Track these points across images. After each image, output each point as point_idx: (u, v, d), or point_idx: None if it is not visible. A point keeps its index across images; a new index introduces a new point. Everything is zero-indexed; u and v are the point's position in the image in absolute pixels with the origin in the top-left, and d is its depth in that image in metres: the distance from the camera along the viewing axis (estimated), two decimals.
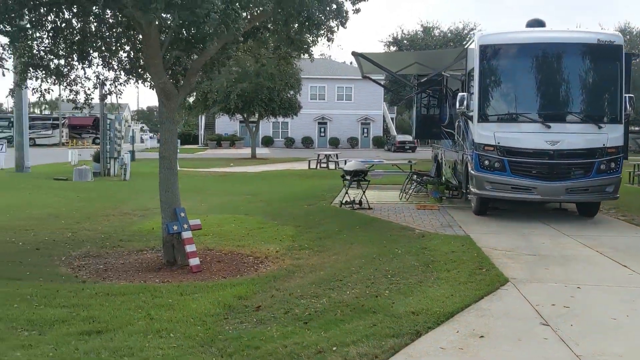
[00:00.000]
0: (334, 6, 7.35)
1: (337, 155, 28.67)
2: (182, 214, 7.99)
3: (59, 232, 10.21)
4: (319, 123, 58.30)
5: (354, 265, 7.43)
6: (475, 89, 11.06)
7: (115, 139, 21.21)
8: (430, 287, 6.17)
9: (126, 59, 9.73)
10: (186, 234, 7.89)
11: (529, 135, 10.71)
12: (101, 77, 10.76)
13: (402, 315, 5.12)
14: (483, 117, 10.99)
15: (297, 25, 8.00)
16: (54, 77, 9.54)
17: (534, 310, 5.42)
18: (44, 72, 9.35)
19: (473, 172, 11.14)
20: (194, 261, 7.78)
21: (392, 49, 36.65)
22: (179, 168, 26.95)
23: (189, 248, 7.84)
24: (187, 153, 44.17)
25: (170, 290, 6.48)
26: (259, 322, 5.18)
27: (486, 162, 10.89)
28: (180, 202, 8.23)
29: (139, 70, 9.91)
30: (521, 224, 10.65)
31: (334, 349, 4.35)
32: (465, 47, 12.39)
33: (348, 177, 13.18)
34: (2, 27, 8.11)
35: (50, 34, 8.73)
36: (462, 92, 11.81)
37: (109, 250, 9.09)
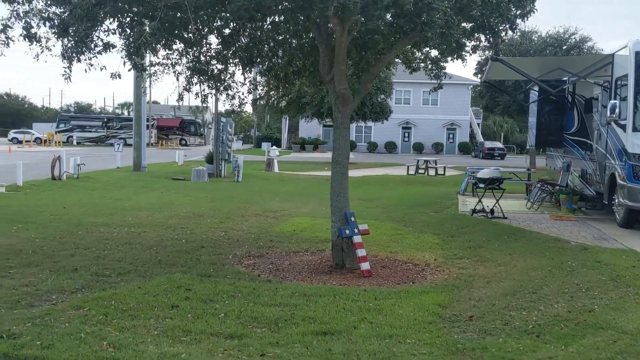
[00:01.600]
0: (518, 11, 7.24)
1: (436, 161, 28.34)
2: (353, 218, 8.11)
3: (211, 231, 10.60)
4: (403, 128, 57.93)
5: (533, 277, 7.28)
6: (630, 96, 10.64)
7: (227, 141, 21.86)
8: (639, 303, 5.96)
9: (280, 65, 10.01)
10: (357, 238, 7.99)
11: None
12: (254, 82, 11.16)
13: (635, 332, 4.97)
14: (639, 126, 10.55)
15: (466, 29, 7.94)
16: (212, 82, 9.97)
17: None
18: (205, 77, 9.77)
19: (625, 183, 10.70)
20: (365, 265, 7.87)
21: (487, 53, 35.78)
22: (278, 171, 27.59)
23: (360, 252, 7.94)
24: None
25: (362, 294, 6.55)
26: (483, 332, 5.16)
27: None
28: (349, 206, 8.33)
29: (292, 75, 10.18)
30: None
31: None
32: (612, 53, 11.93)
33: (482, 185, 12.98)
34: (180, 33, 8.55)
35: (221, 41, 9.07)
36: (612, 99, 11.38)
37: (267, 250, 9.33)
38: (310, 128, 56.89)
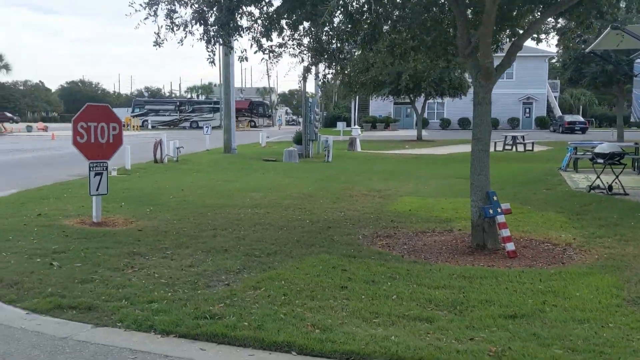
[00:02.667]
0: None
1: (524, 137, 27.42)
2: (495, 198, 7.86)
3: (329, 212, 10.58)
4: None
5: None
6: None
7: (314, 122, 21.85)
8: None
9: (400, 41, 9.78)
10: (500, 218, 7.75)
11: None
12: (371, 60, 11.00)
13: None
14: None
15: None
16: (331, 62, 9.87)
17: None
18: (326, 56, 9.69)
19: None
20: (511, 246, 7.62)
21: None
22: (360, 150, 27.40)
23: (505, 232, 7.69)
24: (348, 135, 44.79)
25: (523, 276, 6.34)
26: None
27: None
28: (490, 185, 8.08)
29: (410, 51, 9.98)
30: None
31: None
32: None
33: (601, 160, 12.40)
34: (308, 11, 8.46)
35: (348, 19, 8.91)
36: None
37: (393, 230, 9.20)
38: (380, 106, 56.35)
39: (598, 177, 12.42)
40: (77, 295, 5.11)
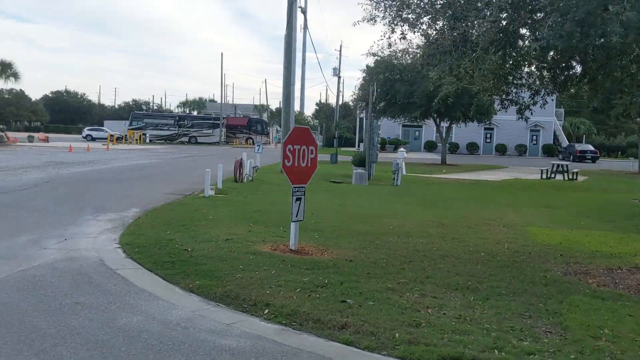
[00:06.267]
0: None
1: (567, 165, 27.37)
2: None
3: (487, 243, 10.00)
4: (485, 129, 56.72)
5: None
6: None
7: (376, 144, 21.38)
8: None
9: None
10: None
11: None
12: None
13: None
14: None
15: None
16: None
17: None
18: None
19: None
20: None
21: None
22: (405, 173, 26.90)
23: None
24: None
25: None
26: None
27: None
28: None
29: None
30: None
31: None
32: None
33: None
34: None
35: None
36: None
37: (578, 267, 8.70)
38: (389, 128, 56.29)
39: None
40: (445, 344, 4.52)
